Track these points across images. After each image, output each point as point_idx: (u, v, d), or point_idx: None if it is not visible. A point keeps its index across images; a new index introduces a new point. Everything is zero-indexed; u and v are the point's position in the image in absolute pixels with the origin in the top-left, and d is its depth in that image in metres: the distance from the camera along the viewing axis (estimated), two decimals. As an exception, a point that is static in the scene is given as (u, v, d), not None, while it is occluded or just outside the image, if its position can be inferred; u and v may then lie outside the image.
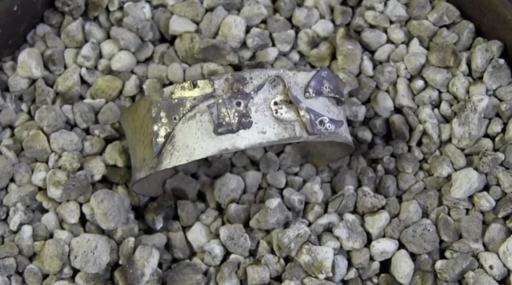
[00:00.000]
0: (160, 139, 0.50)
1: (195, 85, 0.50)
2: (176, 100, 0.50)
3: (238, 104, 0.49)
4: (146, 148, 0.51)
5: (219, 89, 0.49)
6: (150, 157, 0.51)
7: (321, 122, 0.50)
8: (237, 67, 0.63)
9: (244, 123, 0.49)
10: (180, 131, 0.50)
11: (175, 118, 0.50)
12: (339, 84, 0.54)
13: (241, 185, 0.60)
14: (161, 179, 0.61)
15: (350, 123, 0.62)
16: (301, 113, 0.50)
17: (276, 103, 0.50)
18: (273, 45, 0.64)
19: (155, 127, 0.51)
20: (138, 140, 0.52)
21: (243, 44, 0.63)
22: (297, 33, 0.64)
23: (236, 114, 0.49)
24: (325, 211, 0.59)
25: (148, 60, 0.65)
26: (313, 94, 0.51)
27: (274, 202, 0.56)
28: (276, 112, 0.50)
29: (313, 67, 0.64)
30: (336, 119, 0.52)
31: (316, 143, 0.62)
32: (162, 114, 0.50)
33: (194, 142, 0.49)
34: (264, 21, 0.65)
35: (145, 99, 0.52)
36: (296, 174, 0.62)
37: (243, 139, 0.49)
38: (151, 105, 0.51)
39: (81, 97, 0.63)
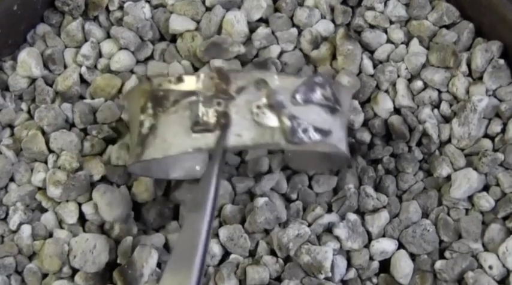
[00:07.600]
0: (145, 130, 0.50)
1: (180, 80, 0.49)
2: (162, 93, 0.49)
3: (219, 104, 0.48)
4: (136, 136, 0.51)
5: (202, 87, 0.48)
6: (136, 145, 0.51)
7: (305, 130, 0.48)
8: (243, 64, 0.63)
9: (222, 123, 0.48)
10: (162, 124, 0.49)
11: (159, 111, 0.49)
12: (336, 92, 0.52)
13: (227, 190, 0.59)
14: (166, 167, 0.60)
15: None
16: (283, 119, 0.48)
17: (258, 107, 0.48)
18: (276, 43, 0.64)
19: (142, 117, 0.50)
20: (133, 126, 0.52)
21: (248, 39, 0.63)
22: (298, 33, 0.64)
23: (215, 114, 0.48)
24: (327, 211, 0.59)
25: (148, 59, 0.65)
26: (301, 101, 0.49)
27: (260, 201, 0.56)
28: (257, 116, 0.48)
29: (314, 67, 0.64)
30: (325, 129, 0.50)
31: (298, 152, 0.59)
32: (149, 105, 0.50)
33: (172, 137, 0.48)
34: (266, 21, 0.64)
35: (138, 87, 0.52)
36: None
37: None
38: (141, 94, 0.50)
39: (81, 97, 0.63)
